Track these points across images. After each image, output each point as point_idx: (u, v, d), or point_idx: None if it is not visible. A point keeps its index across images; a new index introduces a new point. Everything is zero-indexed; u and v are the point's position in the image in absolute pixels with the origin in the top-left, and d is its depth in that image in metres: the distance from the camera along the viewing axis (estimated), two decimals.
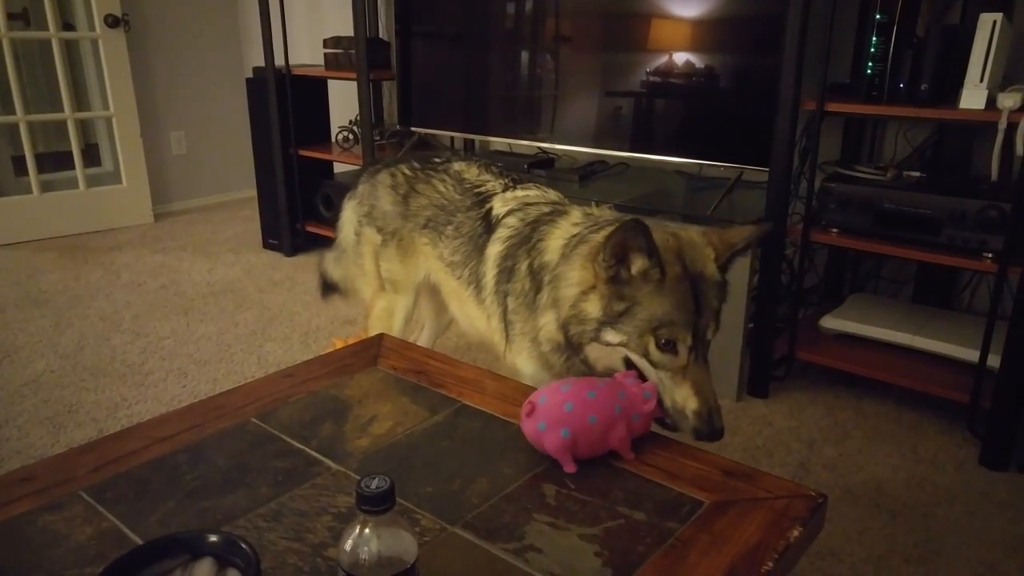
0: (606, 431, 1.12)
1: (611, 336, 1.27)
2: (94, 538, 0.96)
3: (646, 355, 1.24)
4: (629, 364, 1.29)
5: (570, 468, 1.11)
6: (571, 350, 1.38)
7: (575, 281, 1.34)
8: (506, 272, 1.59)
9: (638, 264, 1.22)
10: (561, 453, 1.10)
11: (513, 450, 1.17)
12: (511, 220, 1.65)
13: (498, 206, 1.72)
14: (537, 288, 1.48)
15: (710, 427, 1.20)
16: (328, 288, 2.34)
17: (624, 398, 1.14)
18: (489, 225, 1.71)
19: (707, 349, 1.25)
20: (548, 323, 1.43)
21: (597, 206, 1.58)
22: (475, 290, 1.74)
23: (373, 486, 0.75)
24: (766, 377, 2.52)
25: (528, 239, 1.56)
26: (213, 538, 0.81)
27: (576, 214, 1.55)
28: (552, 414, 1.11)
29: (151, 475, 1.10)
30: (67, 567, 0.91)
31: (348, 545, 0.76)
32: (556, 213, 1.58)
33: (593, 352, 1.33)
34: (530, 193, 1.73)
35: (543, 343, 1.47)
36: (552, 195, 1.73)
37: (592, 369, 1.38)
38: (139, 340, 2.96)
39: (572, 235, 1.45)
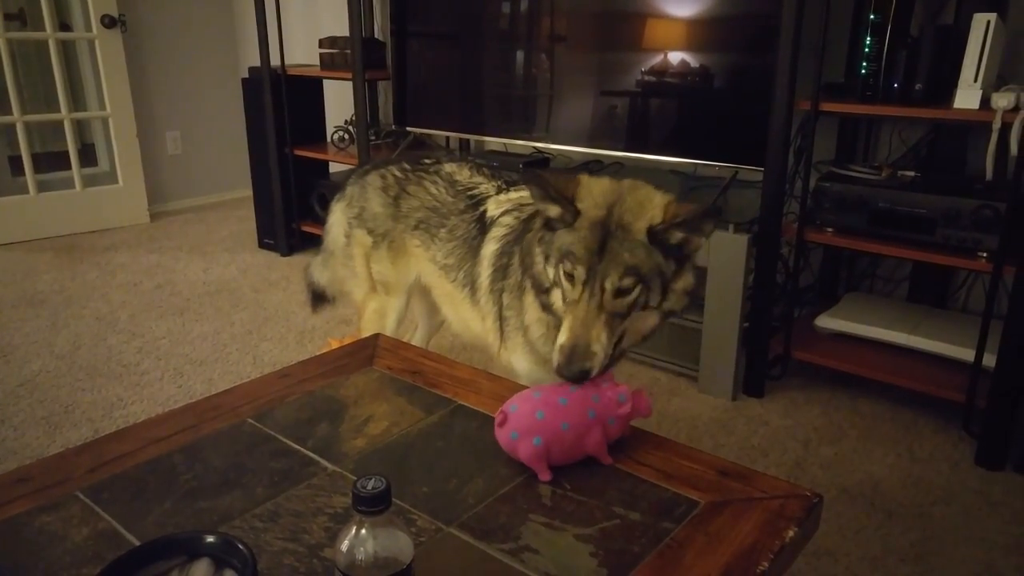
0: (581, 437, 1.11)
1: (550, 272, 1.32)
2: (91, 539, 0.96)
3: (561, 286, 1.28)
4: None
5: (544, 476, 1.10)
6: (542, 300, 1.40)
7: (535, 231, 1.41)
8: (501, 270, 1.60)
9: (554, 209, 1.30)
10: (535, 461, 1.09)
11: None
12: (507, 219, 1.66)
13: (492, 208, 1.72)
14: (525, 272, 1.49)
15: (568, 365, 1.18)
16: (317, 299, 2.31)
17: (598, 402, 1.13)
18: (483, 227, 1.71)
19: (612, 300, 1.22)
20: (532, 301, 1.45)
21: None
22: (470, 292, 1.73)
23: (369, 487, 0.75)
24: (762, 376, 2.53)
25: (522, 233, 1.57)
26: (210, 539, 0.81)
27: None
28: (524, 423, 1.10)
29: (147, 475, 1.10)
30: (64, 568, 0.91)
31: (344, 546, 0.76)
32: None
33: (556, 300, 1.34)
34: (524, 194, 1.73)
35: (532, 326, 1.49)
36: None
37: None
38: (135, 340, 2.96)
39: None
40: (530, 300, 1.48)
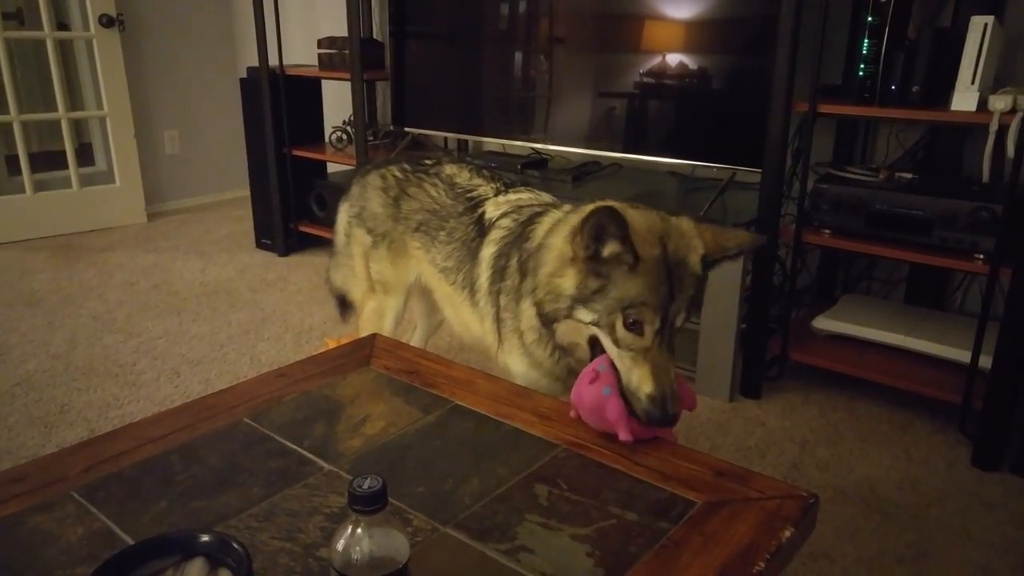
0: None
1: (583, 314, 1.27)
2: (85, 538, 0.96)
3: (613, 333, 1.24)
4: (594, 344, 1.30)
5: (626, 437, 1.12)
6: (543, 325, 1.39)
7: (556, 253, 1.35)
8: (499, 272, 1.60)
9: (611, 248, 1.22)
10: (622, 419, 1.13)
11: (505, 450, 1.17)
12: (505, 222, 1.66)
13: (491, 210, 1.72)
14: (523, 277, 1.48)
15: (662, 412, 1.18)
16: (344, 305, 2.28)
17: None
18: (482, 229, 1.71)
19: (674, 336, 1.24)
20: (530, 306, 1.44)
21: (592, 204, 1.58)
22: (469, 294, 1.73)
23: (365, 486, 0.75)
24: (759, 378, 2.53)
25: (520, 236, 1.56)
26: (205, 538, 0.81)
27: (566, 206, 1.56)
28: (616, 381, 1.15)
29: (143, 475, 1.09)
30: (58, 567, 0.91)
31: (340, 545, 0.76)
32: (548, 208, 1.59)
33: (561, 327, 1.34)
34: (523, 196, 1.73)
35: (527, 332, 1.49)
36: (545, 197, 1.73)
37: (562, 349, 1.41)
38: (131, 340, 2.95)
39: (558, 219, 1.47)
40: (525, 307, 1.47)
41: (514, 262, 1.54)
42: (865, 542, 1.85)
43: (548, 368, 1.50)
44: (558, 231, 1.39)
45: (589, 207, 1.28)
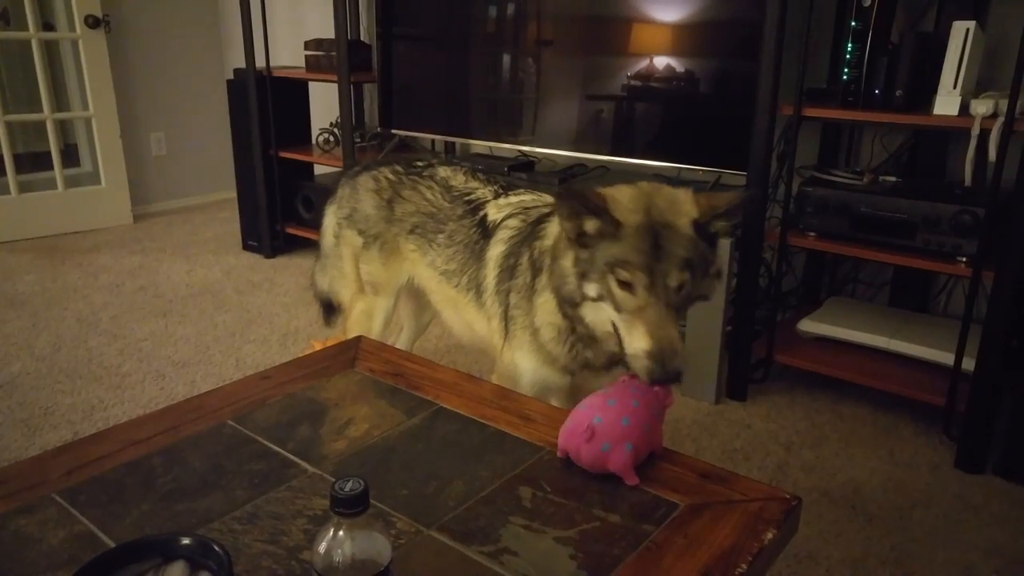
0: (653, 434, 1.13)
1: (589, 288, 1.31)
2: (67, 541, 0.95)
3: (612, 298, 1.27)
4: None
5: (633, 480, 1.09)
6: (568, 312, 1.40)
7: (559, 237, 1.40)
8: (508, 270, 1.61)
9: (591, 224, 1.29)
10: (627, 469, 1.08)
11: (489, 453, 1.17)
12: (512, 222, 1.67)
13: (493, 212, 1.73)
14: (535, 275, 1.51)
15: (662, 368, 1.18)
16: (328, 309, 2.28)
17: (655, 398, 1.17)
18: (485, 231, 1.72)
19: (675, 297, 1.25)
20: (547, 300, 1.46)
21: None
22: (475, 295, 1.74)
23: (347, 488, 0.75)
24: (744, 380, 2.54)
25: (530, 235, 1.58)
26: (185, 540, 0.81)
27: None
28: (614, 432, 1.08)
29: (126, 478, 1.09)
30: (39, 571, 0.90)
31: (322, 548, 0.76)
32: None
33: (589, 314, 1.36)
34: (525, 198, 1.75)
35: (542, 329, 1.50)
36: (548, 198, 1.74)
37: (592, 338, 1.41)
38: (117, 342, 2.94)
39: None
40: (541, 302, 1.49)
41: (525, 260, 1.56)
42: (849, 544, 1.86)
43: (563, 363, 1.52)
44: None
45: (562, 191, 1.35)
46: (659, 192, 1.34)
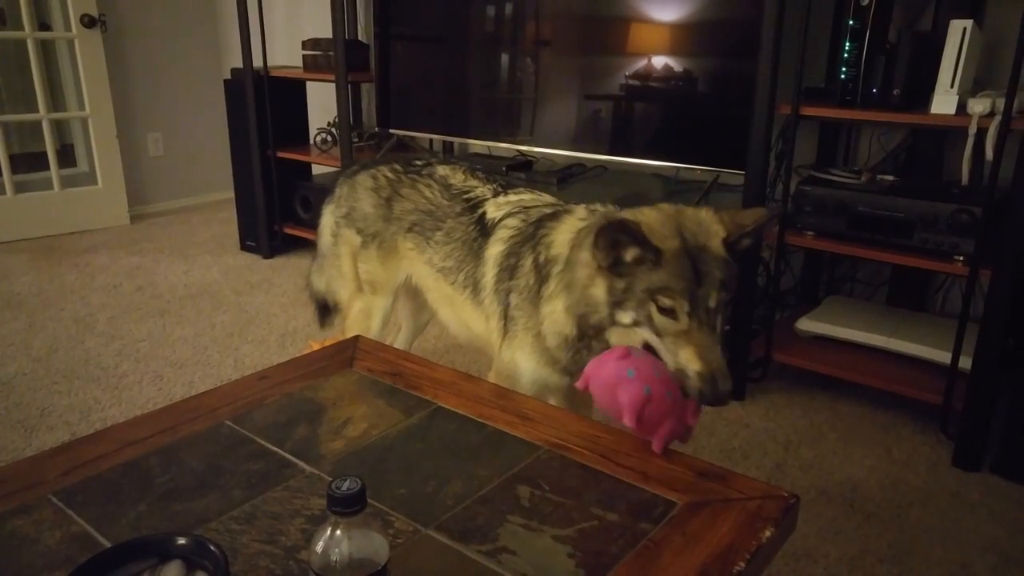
0: (666, 414, 1.15)
1: (623, 316, 1.30)
2: (63, 542, 0.95)
3: (652, 325, 1.26)
4: (648, 349, 1.30)
5: (631, 421, 1.12)
6: (587, 339, 1.41)
7: (586, 270, 1.37)
8: (508, 270, 1.60)
9: (631, 253, 1.27)
10: (633, 406, 1.12)
11: (488, 452, 1.17)
12: (512, 222, 1.66)
13: (492, 210, 1.73)
14: (542, 281, 1.50)
15: (713, 389, 1.21)
16: (323, 311, 2.28)
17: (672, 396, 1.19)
18: (484, 229, 1.71)
19: (715, 318, 1.27)
20: (555, 311, 1.46)
21: (603, 206, 1.59)
22: (472, 293, 1.73)
23: (344, 488, 0.75)
24: (743, 379, 2.54)
25: (532, 236, 1.57)
26: (181, 540, 0.81)
27: (580, 211, 1.57)
28: (645, 369, 1.14)
29: (122, 478, 1.09)
30: (35, 571, 0.90)
31: (319, 547, 0.76)
32: (560, 211, 1.60)
33: (615, 337, 1.36)
34: (524, 197, 1.74)
35: (548, 336, 1.49)
36: (547, 198, 1.74)
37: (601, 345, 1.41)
38: (114, 343, 2.93)
39: (579, 228, 1.48)
40: (549, 311, 1.48)
41: (528, 262, 1.55)
42: (847, 542, 1.87)
43: (564, 364, 1.51)
44: (585, 245, 1.39)
45: (601, 221, 1.31)
46: (684, 214, 1.34)
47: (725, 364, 1.24)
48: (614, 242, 1.27)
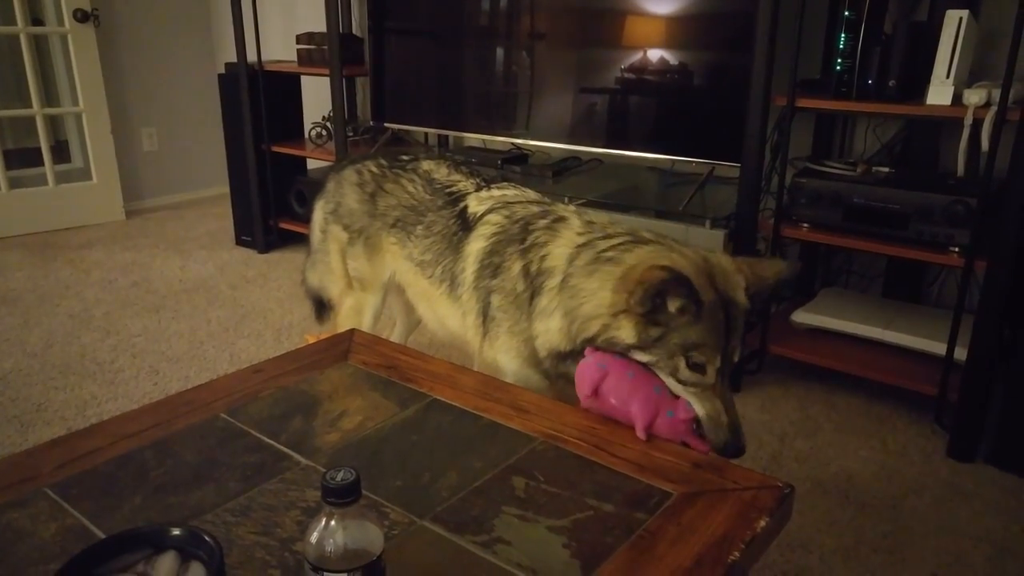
0: (632, 395, 1.20)
1: (641, 356, 1.27)
2: (58, 534, 0.95)
3: (676, 374, 1.24)
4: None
5: (586, 389, 1.22)
6: (576, 354, 1.37)
7: (604, 303, 1.30)
8: (490, 268, 1.57)
9: (676, 304, 1.22)
10: (584, 379, 1.23)
11: (483, 443, 1.17)
12: (495, 217, 1.63)
13: (474, 204, 1.70)
14: (534, 292, 1.46)
15: (737, 442, 1.22)
16: (319, 306, 2.26)
17: (663, 393, 1.23)
18: (465, 223, 1.69)
19: (731, 369, 1.27)
20: (549, 331, 1.42)
21: (595, 214, 1.56)
22: (448, 287, 1.71)
23: (338, 478, 0.75)
24: (738, 371, 2.54)
25: (521, 239, 1.53)
26: (176, 531, 0.81)
27: (576, 222, 1.51)
28: (608, 356, 1.25)
29: (118, 471, 1.09)
30: (30, 564, 0.90)
31: (314, 538, 0.76)
32: (552, 218, 1.54)
33: None
34: (508, 192, 1.71)
35: (540, 350, 1.46)
36: (531, 194, 1.71)
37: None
38: (110, 338, 2.93)
39: (578, 244, 1.43)
40: (543, 329, 1.43)
41: (517, 267, 1.51)
42: (842, 532, 1.87)
43: (546, 367, 1.49)
44: (597, 275, 1.34)
45: (639, 265, 1.26)
46: (711, 263, 1.30)
47: (740, 418, 1.25)
48: (660, 294, 1.21)
